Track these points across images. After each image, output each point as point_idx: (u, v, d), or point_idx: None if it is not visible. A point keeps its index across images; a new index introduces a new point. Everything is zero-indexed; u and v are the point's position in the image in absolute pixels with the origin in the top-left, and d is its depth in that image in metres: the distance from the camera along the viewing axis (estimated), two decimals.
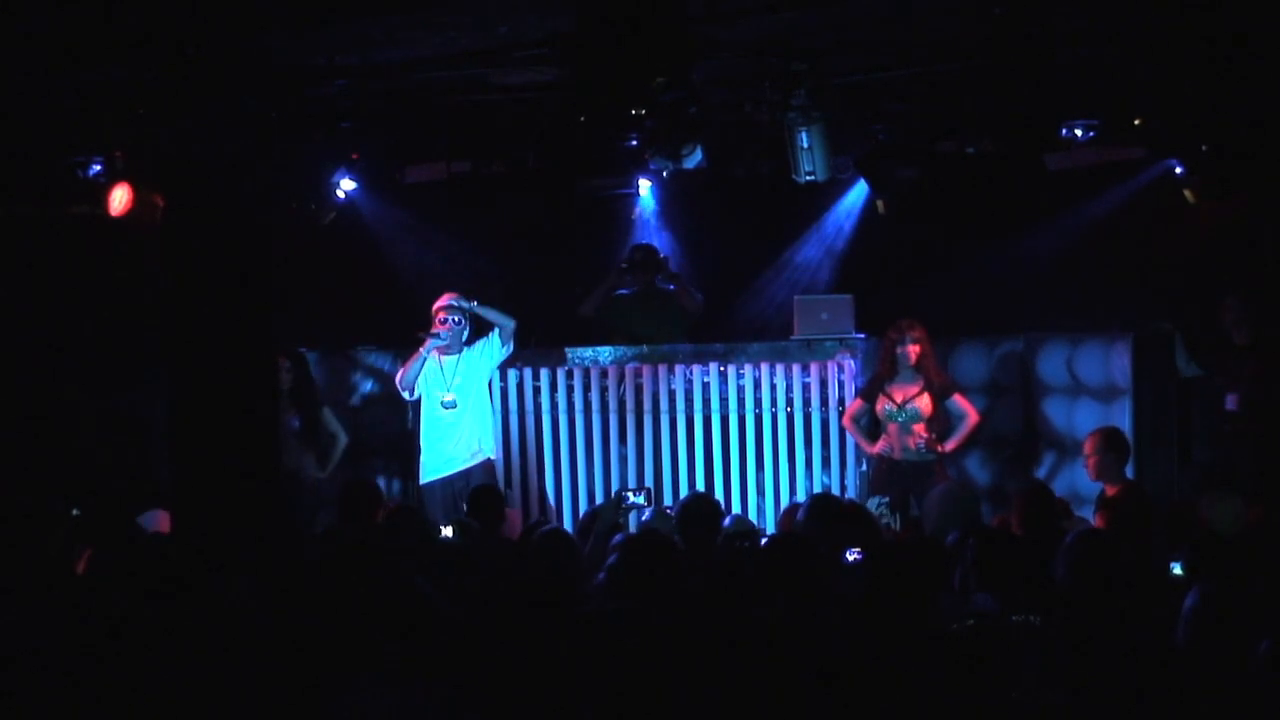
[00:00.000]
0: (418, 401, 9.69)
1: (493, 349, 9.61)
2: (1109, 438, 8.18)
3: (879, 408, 9.34)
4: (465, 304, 9.54)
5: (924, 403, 9.23)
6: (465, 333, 9.58)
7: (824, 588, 5.52)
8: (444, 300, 9.56)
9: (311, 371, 9.85)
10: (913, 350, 9.24)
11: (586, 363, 10.08)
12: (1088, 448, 8.21)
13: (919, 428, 9.21)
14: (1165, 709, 4.49)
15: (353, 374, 10.63)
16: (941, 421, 9.32)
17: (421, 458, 9.65)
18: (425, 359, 9.51)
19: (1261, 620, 4.64)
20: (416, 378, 9.54)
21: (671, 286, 10.51)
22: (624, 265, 10.50)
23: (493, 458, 9.69)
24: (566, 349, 10.11)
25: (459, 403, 9.52)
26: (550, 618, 5.04)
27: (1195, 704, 4.46)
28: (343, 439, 9.85)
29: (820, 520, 6.75)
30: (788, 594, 5.25)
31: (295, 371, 9.62)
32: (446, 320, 9.49)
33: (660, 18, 6.95)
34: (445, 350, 9.55)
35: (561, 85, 8.38)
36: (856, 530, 6.57)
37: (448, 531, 6.95)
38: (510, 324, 9.56)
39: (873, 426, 9.53)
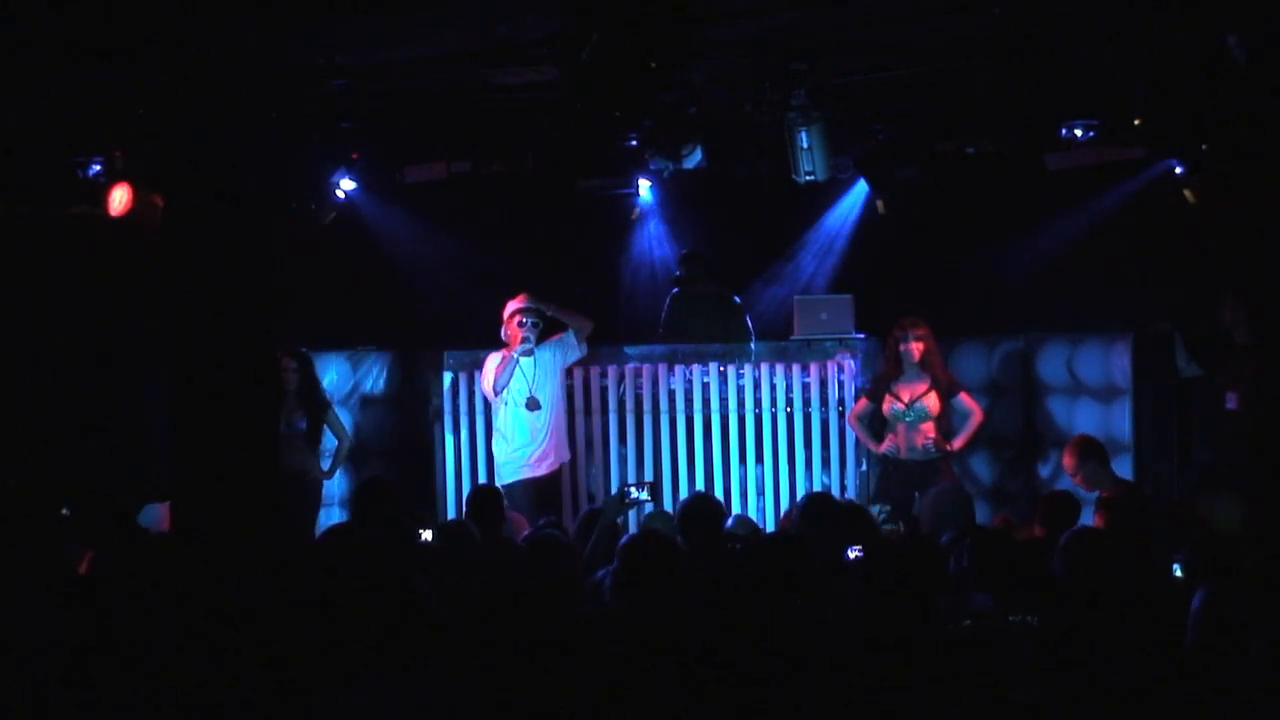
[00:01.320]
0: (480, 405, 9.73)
1: (568, 349, 9.58)
2: (1082, 448, 8.16)
3: (886, 407, 9.31)
4: (541, 306, 9.44)
5: (931, 401, 9.20)
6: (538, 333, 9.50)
7: (816, 587, 5.52)
8: (519, 303, 9.43)
9: (317, 371, 9.84)
10: (915, 348, 9.20)
11: (587, 363, 10.07)
12: (1068, 467, 8.19)
13: (927, 426, 9.19)
14: (1164, 708, 4.49)
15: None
16: (947, 419, 9.31)
17: (501, 459, 9.55)
18: (516, 363, 9.42)
19: (1263, 620, 4.65)
20: (508, 384, 9.46)
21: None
22: (676, 276, 10.54)
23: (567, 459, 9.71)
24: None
25: (542, 403, 9.44)
26: (550, 618, 5.04)
27: (1195, 704, 4.46)
28: (348, 440, 9.86)
29: (811, 519, 6.78)
30: (778, 594, 5.25)
31: (301, 372, 9.61)
32: (525, 323, 9.37)
33: (661, 17, 6.94)
34: (525, 352, 9.46)
35: (561, 85, 8.38)
36: (851, 527, 6.57)
37: (427, 535, 6.92)
38: (588, 325, 9.57)
39: (877, 425, 9.50)
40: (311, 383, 9.69)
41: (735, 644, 4.83)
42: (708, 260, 10.58)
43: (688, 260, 10.58)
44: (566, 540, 6.61)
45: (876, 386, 9.41)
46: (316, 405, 9.65)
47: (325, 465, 9.78)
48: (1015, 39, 8.09)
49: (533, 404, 9.43)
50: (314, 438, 9.63)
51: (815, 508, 6.93)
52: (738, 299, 10.54)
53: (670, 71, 7.42)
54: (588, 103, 7.67)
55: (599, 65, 7.16)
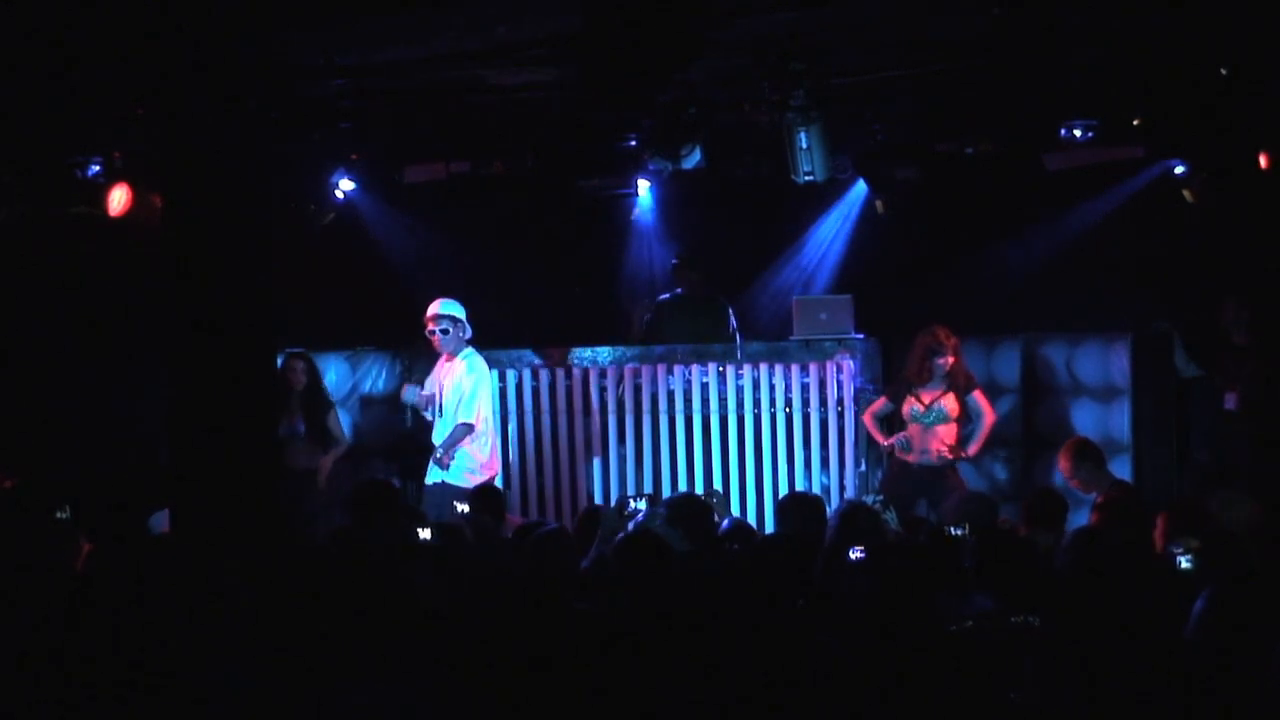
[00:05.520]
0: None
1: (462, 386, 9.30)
2: (1077, 450, 8.15)
3: (905, 409, 9.31)
4: (455, 317, 9.27)
5: (949, 403, 9.23)
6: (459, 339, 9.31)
7: (815, 586, 5.52)
8: (432, 309, 9.32)
9: (319, 373, 9.85)
10: (949, 361, 9.22)
11: (586, 363, 10.07)
12: (1064, 470, 8.18)
13: (943, 429, 9.20)
14: (1166, 708, 4.49)
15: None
16: (965, 422, 9.31)
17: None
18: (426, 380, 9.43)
19: (1266, 620, 4.65)
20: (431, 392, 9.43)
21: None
22: (673, 264, 10.47)
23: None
24: (569, 349, 10.07)
25: (434, 410, 9.38)
26: (547, 616, 5.04)
27: (1197, 704, 4.46)
28: (344, 444, 9.86)
29: (784, 517, 6.82)
30: (776, 594, 5.25)
31: (308, 373, 9.65)
32: (433, 332, 9.30)
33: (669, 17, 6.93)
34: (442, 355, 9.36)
35: (561, 85, 8.38)
36: (851, 528, 6.56)
37: (426, 533, 6.93)
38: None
39: (892, 425, 9.48)
40: (316, 384, 9.73)
41: (733, 643, 4.83)
42: (705, 264, 10.51)
43: (691, 263, 10.47)
44: (567, 537, 6.62)
45: (898, 388, 9.39)
46: (319, 406, 9.67)
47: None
48: (1015, 39, 8.09)
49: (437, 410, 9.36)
50: (315, 438, 9.64)
51: (787, 506, 6.99)
52: (729, 305, 10.46)
53: (670, 71, 7.40)
54: (589, 98, 7.63)
55: (601, 63, 7.15)
